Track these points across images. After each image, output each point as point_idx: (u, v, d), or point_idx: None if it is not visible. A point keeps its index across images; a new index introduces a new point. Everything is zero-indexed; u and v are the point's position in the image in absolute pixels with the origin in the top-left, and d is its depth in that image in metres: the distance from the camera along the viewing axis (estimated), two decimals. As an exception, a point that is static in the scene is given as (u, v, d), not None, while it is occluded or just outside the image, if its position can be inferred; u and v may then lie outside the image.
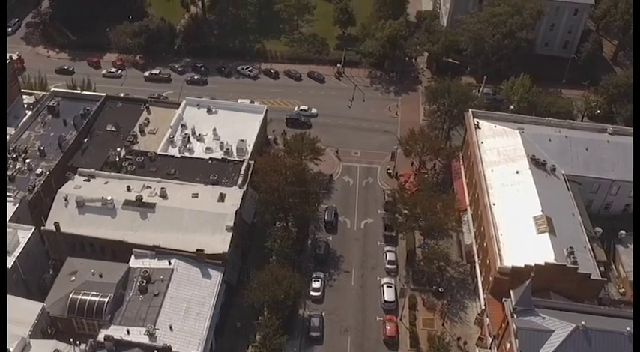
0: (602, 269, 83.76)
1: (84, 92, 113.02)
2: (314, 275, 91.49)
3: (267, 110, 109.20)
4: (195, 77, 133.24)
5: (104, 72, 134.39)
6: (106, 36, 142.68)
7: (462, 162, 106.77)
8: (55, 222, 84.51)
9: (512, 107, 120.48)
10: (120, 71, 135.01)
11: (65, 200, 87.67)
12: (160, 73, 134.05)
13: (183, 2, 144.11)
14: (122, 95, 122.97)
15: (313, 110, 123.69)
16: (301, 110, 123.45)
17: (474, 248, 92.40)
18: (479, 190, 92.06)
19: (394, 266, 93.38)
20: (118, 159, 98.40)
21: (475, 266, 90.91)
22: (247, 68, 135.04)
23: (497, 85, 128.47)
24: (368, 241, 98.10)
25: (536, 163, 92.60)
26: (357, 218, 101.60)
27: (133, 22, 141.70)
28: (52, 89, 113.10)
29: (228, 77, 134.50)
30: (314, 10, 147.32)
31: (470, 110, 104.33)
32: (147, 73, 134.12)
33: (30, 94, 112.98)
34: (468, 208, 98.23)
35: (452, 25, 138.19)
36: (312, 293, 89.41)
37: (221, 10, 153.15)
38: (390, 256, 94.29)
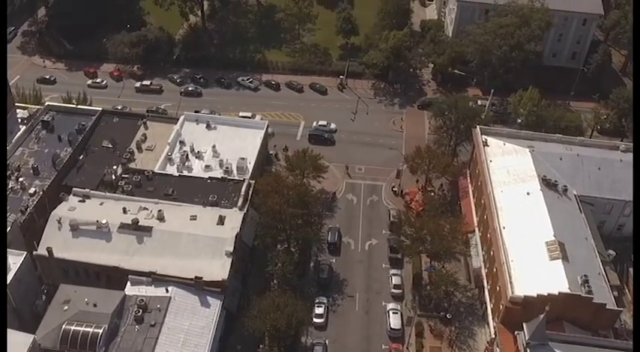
0: (616, 294, 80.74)
1: (79, 106, 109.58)
2: (317, 301, 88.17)
3: (268, 126, 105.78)
4: (190, 88, 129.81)
5: (89, 82, 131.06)
6: (103, 45, 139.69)
7: (469, 180, 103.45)
8: (48, 248, 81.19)
9: (519, 121, 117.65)
10: (105, 82, 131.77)
11: (58, 223, 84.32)
12: (151, 83, 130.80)
13: (182, 11, 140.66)
14: (119, 108, 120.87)
15: (332, 126, 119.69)
16: (320, 125, 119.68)
17: (483, 272, 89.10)
18: (488, 212, 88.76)
19: (400, 291, 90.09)
20: (114, 177, 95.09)
21: (484, 292, 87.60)
22: (248, 79, 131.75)
23: (504, 96, 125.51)
24: (373, 263, 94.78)
25: (548, 184, 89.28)
26: (361, 239, 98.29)
27: (131, 31, 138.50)
28: (47, 103, 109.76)
29: (228, 88, 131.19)
30: (316, 19, 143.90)
31: (478, 127, 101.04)
32: (138, 84, 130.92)
33: (24, 108, 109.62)
34: (476, 229, 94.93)
35: (457, 35, 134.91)
36: (315, 319, 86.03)
37: (221, 19, 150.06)
38: (395, 280, 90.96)
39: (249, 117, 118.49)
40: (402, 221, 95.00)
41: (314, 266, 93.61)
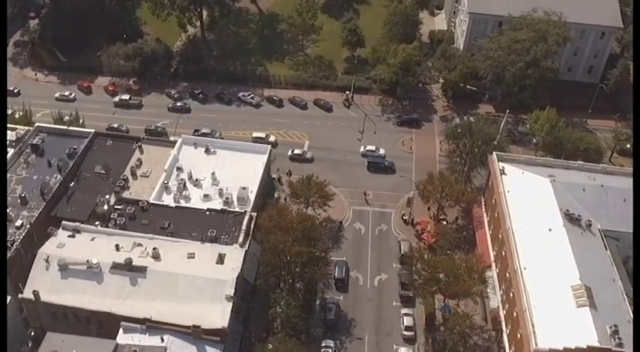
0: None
1: (71, 128, 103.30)
2: (323, 344, 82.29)
3: (270, 150, 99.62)
4: (178, 104, 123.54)
5: (57, 95, 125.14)
6: (98, 58, 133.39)
7: (484, 209, 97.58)
8: (34, 291, 75.31)
9: (535, 141, 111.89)
10: (73, 94, 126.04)
11: (46, 262, 78.40)
12: (130, 98, 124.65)
13: (180, 22, 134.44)
14: (115, 126, 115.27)
15: (381, 151, 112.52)
16: (368, 150, 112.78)
17: (501, 313, 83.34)
18: (506, 249, 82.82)
19: (412, 333, 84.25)
20: (106, 207, 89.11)
21: (502, 335, 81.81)
22: (249, 95, 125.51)
23: (518, 114, 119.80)
24: (383, 301, 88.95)
25: (571, 219, 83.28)
26: (370, 273, 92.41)
27: (127, 41, 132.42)
28: (36, 124, 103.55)
29: (228, 105, 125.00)
30: (320, 30, 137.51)
31: (494, 153, 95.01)
32: (116, 99, 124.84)
33: (13, 129, 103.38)
34: (493, 265, 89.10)
35: (469, 48, 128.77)
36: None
37: (221, 29, 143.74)
38: (407, 321, 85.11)
39: (262, 138, 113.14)
40: (413, 256, 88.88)
41: (320, 303, 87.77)
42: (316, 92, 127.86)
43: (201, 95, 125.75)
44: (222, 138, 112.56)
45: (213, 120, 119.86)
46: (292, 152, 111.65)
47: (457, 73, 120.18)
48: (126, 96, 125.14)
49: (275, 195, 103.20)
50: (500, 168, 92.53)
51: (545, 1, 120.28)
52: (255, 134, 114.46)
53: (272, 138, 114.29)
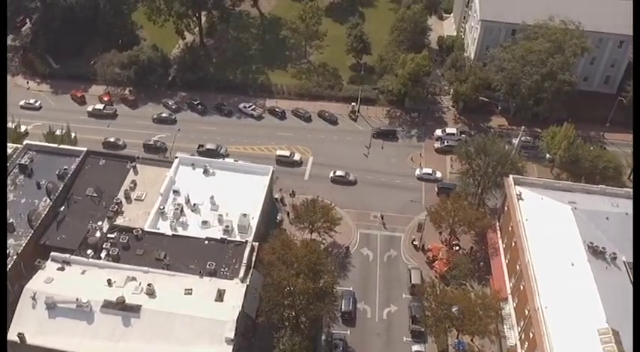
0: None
1: (61, 146, 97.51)
2: (330, 385, 77.33)
3: (273, 172, 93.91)
4: (163, 115, 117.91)
5: (22, 103, 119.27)
6: (92, 66, 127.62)
7: (499, 234, 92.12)
8: (19, 334, 70.09)
9: (548, 156, 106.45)
10: (39, 102, 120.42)
11: (33, 299, 73.20)
12: (104, 108, 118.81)
13: (177, 29, 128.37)
14: (111, 140, 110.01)
15: (438, 174, 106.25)
16: (424, 173, 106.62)
17: (520, 352, 78.16)
18: (525, 284, 77.36)
19: (424, 373, 79.25)
20: (98, 234, 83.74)
21: (521, 377, 76.73)
22: (250, 107, 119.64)
23: (533, 127, 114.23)
24: (392, 336, 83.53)
25: (595, 252, 77.73)
26: (378, 305, 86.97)
27: (123, 47, 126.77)
28: (25, 142, 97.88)
29: (228, 117, 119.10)
30: (324, 36, 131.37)
31: (510, 176, 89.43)
32: (90, 108, 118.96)
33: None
34: (510, 298, 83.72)
35: (480, 57, 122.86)
36: (328, 411, 75.32)
37: (220, 34, 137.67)
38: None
39: (287, 157, 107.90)
40: (424, 287, 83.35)
41: (326, 339, 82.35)
42: (320, 103, 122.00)
43: (200, 106, 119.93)
44: (227, 154, 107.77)
45: (213, 134, 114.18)
46: (334, 174, 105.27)
47: (469, 85, 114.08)
48: (100, 106, 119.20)
49: (278, 217, 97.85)
50: (518, 192, 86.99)
51: (562, 8, 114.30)
52: (279, 152, 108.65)
53: (297, 157, 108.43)
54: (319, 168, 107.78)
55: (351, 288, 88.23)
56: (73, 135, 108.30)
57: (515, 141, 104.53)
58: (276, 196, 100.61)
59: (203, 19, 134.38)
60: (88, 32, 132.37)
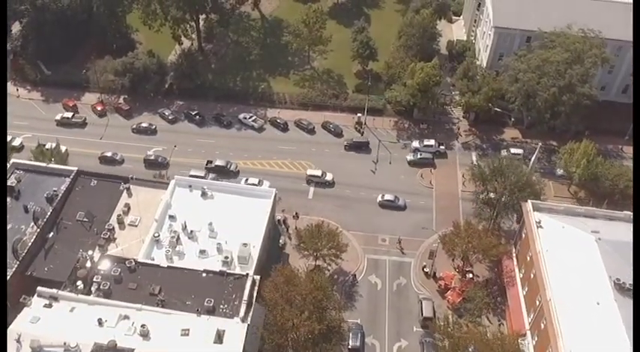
0: None
1: (51, 165, 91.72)
2: None
3: (275, 194, 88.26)
4: (143, 125, 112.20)
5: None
6: (85, 73, 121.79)
7: (515, 262, 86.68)
8: (2, 384, 64.94)
9: (560, 172, 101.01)
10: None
11: (18, 342, 67.75)
12: (73, 116, 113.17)
13: (174, 34, 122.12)
14: (108, 155, 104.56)
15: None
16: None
17: (540, 395, 72.98)
18: (547, 324, 71.85)
19: None
20: (89, 264, 78.25)
21: None
22: (250, 117, 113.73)
23: (548, 139, 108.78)
24: (403, 375, 78.73)
25: (621, 289, 72.32)
26: (388, 339, 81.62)
27: (117, 52, 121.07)
28: (12, 161, 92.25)
29: (227, 128, 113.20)
30: (329, 42, 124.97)
31: (529, 202, 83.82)
32: (58, 117, 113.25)
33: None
34: (529, 334, 78.35)
35: (493, 65, 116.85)
36: None
37: (220, 38, 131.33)
38: (432, 404, 74.96)
39: (318, 177, 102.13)
40: (437, 324, 78.03)
41: (332, 379, 77.27)
42: (324, 113, 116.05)
43: (197, 117, 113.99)
44: (238, 171, 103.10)
45: (211, 147, 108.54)
46: (383, 198, 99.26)
47: (482, 97, 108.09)
48: (68, 114, 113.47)
49: (280, 241, 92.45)
50: (537, 220, 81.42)
51: (579, 15, 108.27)
52: (310, 171, 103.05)
53: (329, 177, 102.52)
54: (323, 186, 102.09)
55: (358, 321, 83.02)
56: (64, 149, 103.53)
57: (532, 158, 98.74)
58: (279, 217, 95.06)
59: (201, 22, 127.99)
60: (80, 36, 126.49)
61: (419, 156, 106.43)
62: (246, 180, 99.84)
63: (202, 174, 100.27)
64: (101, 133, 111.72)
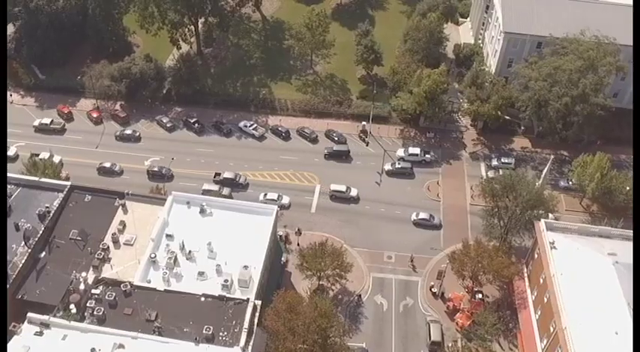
0: None
1: (43, 180, 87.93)
2: None
3: (277, 211, 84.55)
4: (127, 132, 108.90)
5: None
6: (81, 75, 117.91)
7: (527, 283, 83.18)
8: None
9: (569, 183, 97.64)
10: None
11: (6, 374, 64.74)
12: (51, 122, 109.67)
13: (172, 38, 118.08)
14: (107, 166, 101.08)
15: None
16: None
17: None
18: (563, 354, 68.70)
19: None
20: (82, 287, 74.79)
21: None
22: (251, 126, 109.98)
23: (559, 149, 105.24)
24: (410, 403, 75.46)
25: (641, 317, 69.04)
26: (394, 365, 78.66)
27: (114, 55, 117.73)
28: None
29: (227, 136, 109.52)
30: (332, 46, 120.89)
31: (542, 221, 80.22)
32: (36, 123, 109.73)
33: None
34: (542, 361, 75.13)
35: (502, 71, 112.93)
36: None
37: (219, 41, 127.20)
38: None
39: (342, 192, 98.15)
40: (445, 346, 74.78)
41: (337, 408, 74.02)
42: (328, 121, 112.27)
43: (196, 125, 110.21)
44: (247, 184, 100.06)
45: (211, 157, 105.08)
46: (417, 216, 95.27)
47: (491, 106, 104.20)
48: (47, 120, 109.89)
49: (282, 258, 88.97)
50: (551, 241, 77.89)
51: (592, 20, 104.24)
52: (333, 186, 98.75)
53: (354, 192, 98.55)
54: (327, 199, 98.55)
55: (363, 345, 79.66)
56: (58, 159, 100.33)
57: (543, 171, 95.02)
58: (280, 233, 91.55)
59: (200, 25, 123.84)
60: (76, 39, 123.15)
61: (397, 166, 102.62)
62: (265, 195, 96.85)
63: (216, 188, 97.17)
64: (97, 142, 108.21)
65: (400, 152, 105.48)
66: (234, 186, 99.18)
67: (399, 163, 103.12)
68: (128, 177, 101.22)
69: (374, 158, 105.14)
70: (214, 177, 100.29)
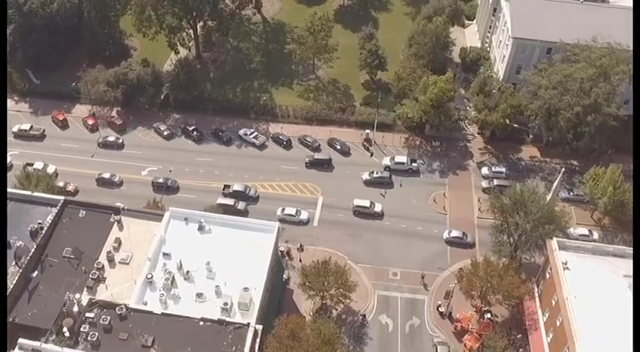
0: None
1: (35, 194, 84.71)
2: None
3: (279, 229, 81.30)
4: (110, 139, 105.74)
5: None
6: (77, 80, 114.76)
7: (538, 303, 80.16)
8: None
9: (573, 193, 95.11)
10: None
11: (-5, 406, 61.87)
12: (31, 128, 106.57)
13: (170, 43, 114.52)
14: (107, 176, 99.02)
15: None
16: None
17: None
18: (578, 383, 65.81)
19: None
20: (76, 309, 71.82)
21: None
22: (252, 134, 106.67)
23: (569, 159, 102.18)
24: None
25: (659, 345, 66.05)
26: (401, 391, 75.80)
27: (110, 59, 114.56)
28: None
29: (227, 145, 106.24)
30: (335, 50, 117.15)
31: (554, 240, 77.14)
32: (15, 129, 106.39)
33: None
34: (555, 388, 72.27)
35: (510, 77, 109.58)
36: None
37: (219, 42, 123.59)
38: None
39: (366, 207, 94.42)
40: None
41: None
42: (330, 128, 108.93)
43: (195, 133, 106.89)
44: (258, 197, 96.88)
45: (210, 167, 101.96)
46: (449, 234, 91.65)
47: (499, 115, 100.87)
48: (26, 126, 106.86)
49: (284, 275, 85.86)
50: (564, 261, 74.83)
51: (605, 27, 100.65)
52: (356, 202, 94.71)
53: (378, 208, 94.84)
54: (330, 212, 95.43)
55: (369, 369, 76.97)
56: (53, 168, 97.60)
57: (554, 184, 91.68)
58: (282, 249, 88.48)
59: (199, 28, 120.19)
60: (71, 43, 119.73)
61: (375, 176, 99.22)
62: (283, 209, 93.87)
63: (231, 203, 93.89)
64: (92, 150, 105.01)
65: (386, 160, 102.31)
66: (245, 199, 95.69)
67: (377, 172, 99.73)
68: (126, 189, 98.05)
69: (378, 168, 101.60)
70: (223, 189, 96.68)
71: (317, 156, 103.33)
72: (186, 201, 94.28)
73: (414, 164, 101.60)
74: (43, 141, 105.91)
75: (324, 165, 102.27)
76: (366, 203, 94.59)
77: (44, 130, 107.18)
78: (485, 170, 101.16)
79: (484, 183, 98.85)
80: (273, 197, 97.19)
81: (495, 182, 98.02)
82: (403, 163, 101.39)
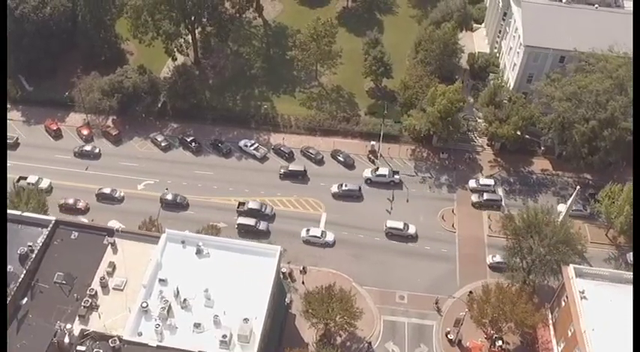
0: None
1: (25, 214, 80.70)
2: None
3: (281, 252, 77.41)
4: (86, 148, 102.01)
5: None
6: (71, 87, 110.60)
7: (552, 332, 76.42)
8: None
9: (587, 211, 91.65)
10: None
11: None
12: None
13: (167, 49, 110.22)
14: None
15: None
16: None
17: None
18: None
19: None
20: (67, 341, 68.28)
21: None
22: (252, 146, 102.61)
23: (582, 172, 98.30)
24: None
25: (683, 384, 62.42)
26: None
27: (106, 65, 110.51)
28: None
29: (226, 157, 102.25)
30: (339, 56, 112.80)
31: (571, 266, 73.28)
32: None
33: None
34: None
35: (521, 87, 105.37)
36: None
37: (218, 47, 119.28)
38: None
39: (400, 229, 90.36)
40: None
41: None
42: (334, 139, 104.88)
43: (193, 144, 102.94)
44: (274, 214, 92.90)
45: (209, 181, 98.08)
46: (493, 259, 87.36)
47: (511, 127, 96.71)
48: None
49: (287, 299, 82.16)
50: (581, 290, 71.04)
51: (621, 35, 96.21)
52: (389, 223, 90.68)
53: (412, 230, 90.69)
54: (334, 229, 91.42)
55: (376, 402, 73.45)
56: (47, 182, 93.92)
57: (567, 202, 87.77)
58: (284, 270, 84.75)
59: (197, 33, 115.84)
60: (65, 48, 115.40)
61: (343, 188, 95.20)
62: (308, 230, 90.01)
63: (252, 223, 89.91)
64: (86, 163, 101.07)
65: (367, 173, 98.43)
66: (261, 217, 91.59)
67: (345, 185, 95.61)
68: (129, 205, 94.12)
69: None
70: (238, 207, 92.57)
71: (291, 167, 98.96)
72: (184, 218, 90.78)
73: (396, 176, 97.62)
74: (16, 150, 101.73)
75: (298, 176, 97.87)
76: (400, 225, 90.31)
77: (17, 138, 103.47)
78: (472, 183, 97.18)
79: (473, 198, 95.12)
80: (283, 214, 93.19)
81: (485, 196, 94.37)
82: (385, 175, 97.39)
